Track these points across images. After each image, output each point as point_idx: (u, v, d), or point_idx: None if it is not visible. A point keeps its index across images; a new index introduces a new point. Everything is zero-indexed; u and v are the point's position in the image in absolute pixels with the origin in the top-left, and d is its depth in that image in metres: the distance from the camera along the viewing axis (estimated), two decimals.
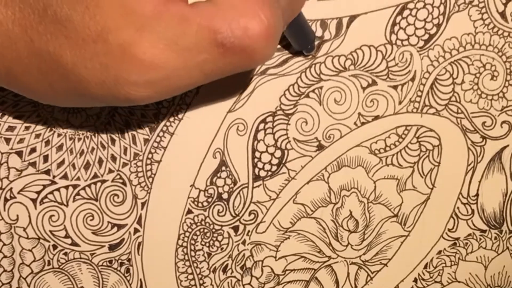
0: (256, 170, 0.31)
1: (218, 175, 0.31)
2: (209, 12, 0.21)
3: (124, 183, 0.30)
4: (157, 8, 0.21)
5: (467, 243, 0.34)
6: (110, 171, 0.30)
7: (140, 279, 0.31)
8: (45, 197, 0.30)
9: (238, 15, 0.21)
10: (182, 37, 0.21)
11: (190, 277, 0.32)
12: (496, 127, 0.33)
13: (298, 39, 0.29)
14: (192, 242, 0.32)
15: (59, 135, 0.30)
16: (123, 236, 0.31)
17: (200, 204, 0.31)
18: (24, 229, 0.30)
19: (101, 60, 0.21)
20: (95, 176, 0.30)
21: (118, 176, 0.30)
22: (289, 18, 0.25)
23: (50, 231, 0.30)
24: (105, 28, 0.21)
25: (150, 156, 0.30)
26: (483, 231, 0.34)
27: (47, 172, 0.30)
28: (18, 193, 0.30)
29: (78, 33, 0.21)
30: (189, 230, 0.31)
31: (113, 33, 0.21)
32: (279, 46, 0.30)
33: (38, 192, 0.30)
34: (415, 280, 0.34)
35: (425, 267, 0.34)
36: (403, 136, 0.32)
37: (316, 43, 0.30)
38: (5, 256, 0.30)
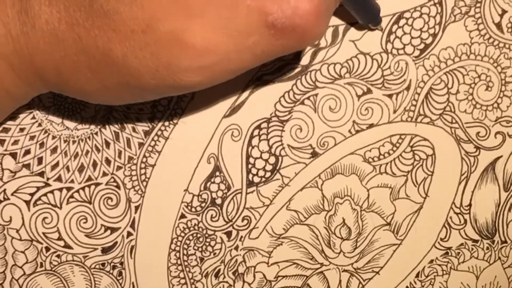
0: (250, 176, 0.31)
1: (212, 180, 0.31)
2: None
3: (118, 187, 0.30)
4: None
5: (459, 253, 0.34)
6: (104, 174, 0.30)
7: (133, 283, 0.31)
8: (39, 199, 0.30)
9: None
10: (232, 20, 0.21)
11: (183, 281, 0.32)
12: (490, 138, 0.33)
13: (362, 11, 0.29)
14: (185, 246, 0.32)
15: (53, 137, 0.30)
16: (116, 239, 0.31)
17: (193, 209, 0.31)
18: (17, 231, 0.30)
19: (152, 49, 0.21)
20: (89, 179, 0.30)
21: (112, 180, 0.30)
22: None
23: (43, 233, 0.30)
24: (154, 17, 0.20)
25: (144, 160, 0.30)
26: (475, 241, 0.34)
27: (41, 174, 0.30)
28: (12, 194, 0.30)
29: (127, 25, 0.21)
30: (182, 234, 0.31)
31: (162, 21, 0.20)
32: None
33: (32, 194, 0.30)
34: None
35: (417, 275, 0.34)
36: (397, 144, 0.32)
37: (381, 16, 0.30)
38: None
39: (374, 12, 0.30)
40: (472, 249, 0.34)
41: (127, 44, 0.21)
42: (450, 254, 0.34)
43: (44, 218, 0.30)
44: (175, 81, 0.22)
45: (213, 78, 0.22)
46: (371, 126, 0.32)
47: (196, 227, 0.31)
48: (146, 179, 0.31)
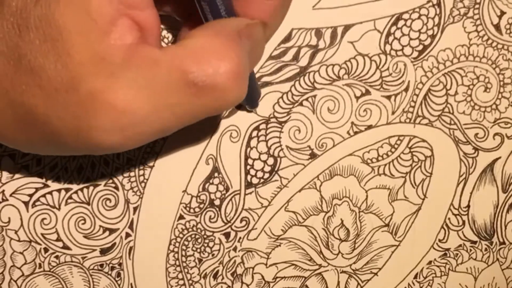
0: (249, 177, 0.31)
1: (211, 181, 0.31)
2: (179, 54, 0.21)
3: (116, 188, 0.31)
4: (127, 54, 0.21)
5: (457, 254, 0.34)
6: (103, 175, 0.30)
7: (131, 284, 0.31)
8: (37, 200, 0.30)
9: (208, 55, 0.21)
10: (153, 80, 0.21)
11: (181, 282, 0.32)
12: (489, 139, 0.33)
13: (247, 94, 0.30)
14: (184, 247, 0.32)
15: None
16: (114, 240, 0.31)
17: (192, 210, 0.31)
18: (16, 232, 0.30)
19: (74, 110, 0.21)
20: (88, 180, 0.30)
21: (110, 181, 0.30)
22: (253, 64, 0.25)
23: (42, 234, 0.30)
24: (76, 76, 0.20)
25: (143, 161, 0.30)
26: (474, 242, 0.34)
27: (40, 175, 0.30)
28: (11, 195, 0.30)
29: (51, 83, 0.21)
30: (181, 235, 0.31)
31: (84, 81, 0.20)
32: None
33: (31, 195, 0.30)
34: None
35: (415, 277, 0.34)
36: (396, 146, 0.32)
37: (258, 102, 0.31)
38: None
39: (255, 96, 0.30)
40: (471, 250, 0.34)
41: (51, 103, 0.21)
42: (448, 255, 0.34)
43: (42, 219, 0.30)
44: (95, 143, 0.22)
45: (134, 140, 0.22)
46: (369, 127, 0.32)
47: (194, 228, 0.31)
48: (145, 180, 0.31)
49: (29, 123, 0.22)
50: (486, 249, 0.34)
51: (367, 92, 0.31)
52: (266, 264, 0.32)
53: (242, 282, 0.32)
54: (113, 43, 0.21)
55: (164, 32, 0.29)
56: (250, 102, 0.30)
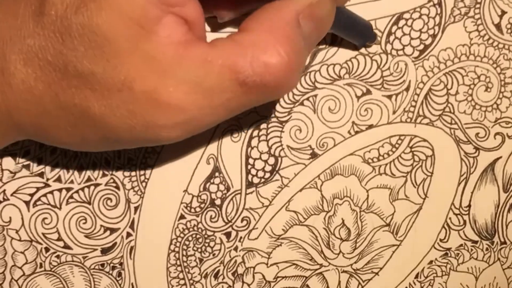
0: (250, 176, 0.31)
1: (212, 181, 0.31)
2: (229, 51, 0.22)
3: (117, 187, 0.31)
4: (177, 53, 0.21)
5: (458, 254, 0.34)
6: (104, 174, 0.30)
7: (132, 283, 0.31)
8: (38, 199, 0.30)
9: (258, 52, 0.21)
10: (204, 78, 0.21)
11: (182, 282, 0.32)
12: (490, 139, 0.33)
13: (355, 34, 0.29)
14: (184, 247, 0.32)
15: None
16: (115, 240, 0.31)
17: (192, 210, 0.31)
18: (17, 231, 0.30)
19: (128, 108, 0.21)
20: (89, 179, 0.30)
21: (111, 180, 0.30)
22: (317, 40, 0.25)
23: (43, 234, 0.30)
24: (128, 77, 0.21)
25: (143, 160, 0.30)
26: (475, 242, 0.34)
27: (41, 174, 0.30)
28: (12, 195, 0.30)
29: (102, 85, 0.21)
30: (182, 235, 0.31)
31: (136, 81, 0.21)
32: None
33: (32, 195, 0.30)
34: None
35: (416, 276, 0.34)
36: (397, 145, 0.32)
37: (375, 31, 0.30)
38: None
39: (367, 30, 0.30)
40: (472, 250, 0.34)
41: (104, 103, 0.22)
42: (449, 255, 0.34)
43: (43, 219, 0.30)
44: (152, 137, 0.22)
45: (190, 132, 0.23)
46: (370, 127, 0.32)
47: (195, 228, 0.31)
48: (146, 180, 0.31)
49: (84, 123, 0.22)
50: (487, 249, 0.34)
51: (368, 92, 0.31)
52: (267, 264, 0.32)
53: (243, 282, 0.32)
54: (162, 41, 0.21)
55: None
56: (366, 39, 0.30)
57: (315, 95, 0.31)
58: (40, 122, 0.23)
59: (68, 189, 0.30)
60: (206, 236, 0.32)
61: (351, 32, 0.29)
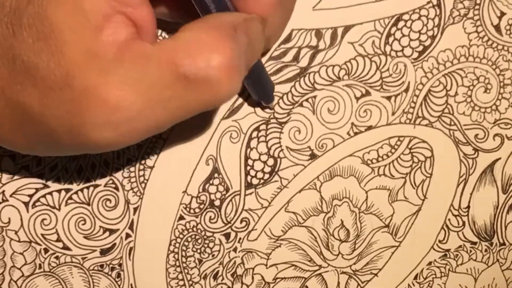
0: (249, 178, 0.31)
1: (211, 182, 0.31)
2: (170, 47, 0.21)
3: (116, 188, 0.31)
4: (119, 50, 0.21)
5: (457, 255, 0.34)
6: (103, 175, 0.30)
7: (131, 284, 0.32)
8: (38, 200, 0.30)
9: (200, 48, 0.21)
10: (145, 75, 0.21)
11: (181, 283, 0.32)
12: (489, 140, 0.33)
13: (257, 88, 0.29)
14: (184, 248, 0.32)
15: None
16: (114, 241, 0.31)
17: (192, 211, 0.31)
18: (16, 232, 0.30)
19: (68, 107, 0.21)
20: (88, 180, 0.30)
21: (110, 181, 0.30)
22: (251, 60, 0.25)
23: (42, 235, 0.30)
24: (70, 73, 0.20)
25: (143, 161, 0.30)
26: (474, 243, 0.34)
27: (40, 175, 0.30)
28: (11, 196, 0.30)
29: (45, 81, 0.21)
30: (181, 236, 0.31)
31: (77, 78, 0.20)
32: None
33: (31, 196, 0.30)
34: None
35: (415, 278, 0.34)
36: (396, 147, 0.32)
37: (274, 96, 0.30)
38: None
39: (268, 90, 0.30)
40: (471, 251, 0.34)
41: (45, 101, 0.21)
42: (448, 256, 0.34)
43: (42, 220, 0.30)
44: (89, 140, 0.22)
45: (129, 136, 0.22)
46: (369, 128, 0.32)
47: (194, 229, 0.31)
48: (145, 181, 0.31)
49: (26, 123, 0.22)
50: (486, 250, 0.34)
51: (367, 93, 0.31)
52: (266, 265, 0.32)
53: (242, 283, 0.32)
54: (106, 39, 0.21)
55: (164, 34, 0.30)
56: (264, 97, 0.30)
57: (314, 96, 0.31)
58: None
59: (67, 190, 0.30)
60: (205, 237, 0.32)
61: (257, 83, 0.29)
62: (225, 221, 0.32)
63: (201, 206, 0.31)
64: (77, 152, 0.24)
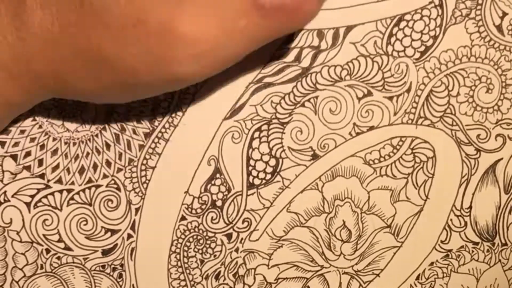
0: (251, 178, 0.31)
1: (213, 182, 0.31)
2: None
3: (118, 189, 0.30)
4: None
5: (459, 255, 0.34)
6: (105, 176, 0.30)
7: (133, 285, 0.31)
8: (39, 201, 0.30)
9: None
10: (220, 5, 0.21)
11: (183, 283, 0.32)
12: (491, 140, 0.33)
13: None
14: (185, 248, 0.32)
15: (54, 139, 0.30)
16: (116, 241, 0.31)
17: (194, 211, 0.31)
18: (18, 233, 0.30)
19: (144, 44, 0.21)
20: (90, 181, 0.30)
21: (112, 182, 0.30)
22: None
23: (44, 235, 0.30)
24: (143, 9, 0.20)
25: (145, 162, 0.30)
26: (476, 243, 0.34)
27: (42, 176, 0.30)
28: (12, 196, 0.30)
29: (117, 21, 0.21)
30: (183, 236, 0.31)
31: (151, 13, 0.20)
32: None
33: (32, 196, 0.30)
34: None
35: (417, 278, 0.34)
36: (398, 147, 0.32)
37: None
38: None
39: None
40: (473, 251, 0.34)
41: (120, 41, 0.21)
42: (450, 256, 0.34)
43: (44, 220, 0.30)
44: (170, 74, 0.22)
45: (209, 67, 0.22)
46: (371, 128, 0.32)
47: (196, 229, 0.31)
48: (147, 181, 0.31)
49: (101, 66, 0.22)
50: (488, 250, 0.34)
51: (369, 93, 0.31)
52: (268, 265, 0.32)
53: (244, 283, 0.32)
54: None
55: None
56: None
57: (316, 97, 0.31)
58: (58, 70, 0.22)
59: (69, 191, 0.30)
60: (207, 237, 0.32)
61: None
62: (227, 222, 0.32)
63: (203, 207, 0.31)
64: (157, 90, 0.24)
